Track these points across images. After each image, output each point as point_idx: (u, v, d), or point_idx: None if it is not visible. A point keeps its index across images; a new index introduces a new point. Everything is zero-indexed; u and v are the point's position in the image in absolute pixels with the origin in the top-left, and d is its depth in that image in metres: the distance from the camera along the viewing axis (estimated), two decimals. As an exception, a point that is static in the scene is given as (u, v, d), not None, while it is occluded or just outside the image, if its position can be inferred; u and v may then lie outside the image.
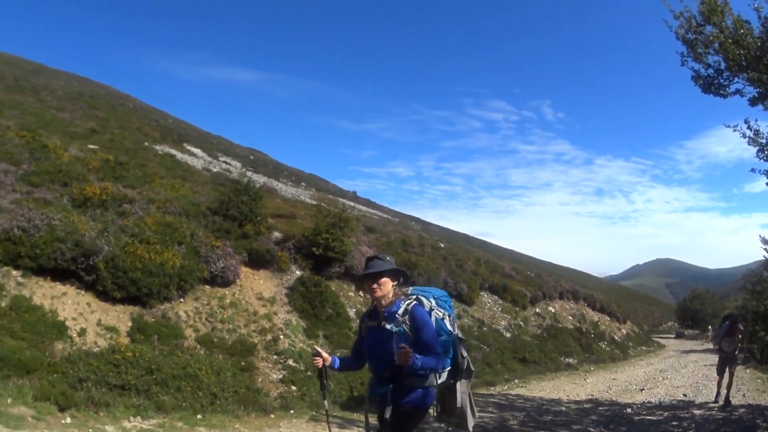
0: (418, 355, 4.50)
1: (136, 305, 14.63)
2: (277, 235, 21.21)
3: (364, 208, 44.86)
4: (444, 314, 4.97)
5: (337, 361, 5.19)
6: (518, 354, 24.69)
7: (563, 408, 15.79)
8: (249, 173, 34.73)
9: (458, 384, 5.17)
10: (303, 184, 46.52)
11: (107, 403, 10.42)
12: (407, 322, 4.70)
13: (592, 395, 18.57)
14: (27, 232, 13.59)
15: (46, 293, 13.29)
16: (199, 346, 14.35)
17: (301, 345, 16.56)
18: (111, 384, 11.05)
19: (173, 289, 15.37)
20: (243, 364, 14.45)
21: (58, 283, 13.76)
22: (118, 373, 11.35)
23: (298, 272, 19.95)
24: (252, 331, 16.12)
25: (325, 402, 5.58)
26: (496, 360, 22.99)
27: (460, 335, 5.14)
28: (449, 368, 5.00)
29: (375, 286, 4.84)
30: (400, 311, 4.76)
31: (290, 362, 15.56)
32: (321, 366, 5.05)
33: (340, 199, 41.78)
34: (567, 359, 27.66)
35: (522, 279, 35.34)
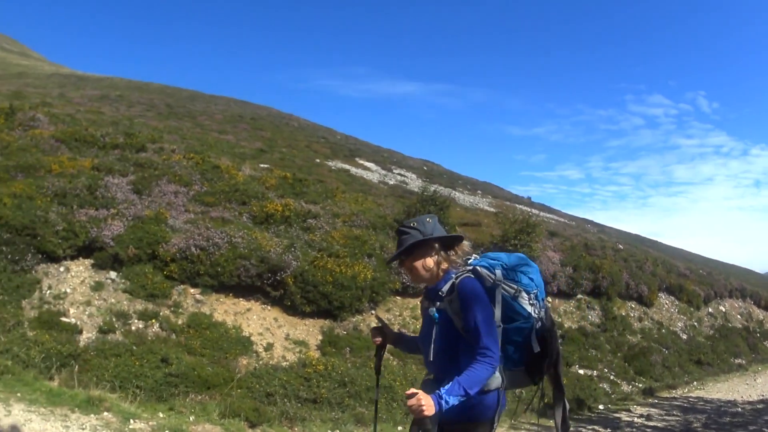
0: (445, 390, 3.64)
1: (327, 318, 16.62)
2: (465, 243, 22.71)
3: (540, 213, 46.25)
4: (518, 290, 4.11)
5: (402, 338, 4.87)
6: (693, 356, 26.95)
7: (739, 409, 17.67)
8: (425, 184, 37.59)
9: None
10: (479, 192, 48.80)
11: (303, 418, 11.88)
12: (453, 301, 4.05)
13: (763, 395, 20.66)
14: (206, 250, 15.94)
15: (228, 310, 15.48)
16: (392, 357, 15.85)
17: (496, 351, 17.75)
18: (302, 398, 12.66)
19: (365, 301, 17.36)
20: (438, 373, 15.66)
21: (241, 299, 16.01)
22: (309, 386, 13.00)
23: (489, 279, 21.22)
24: (446, 340, 17.40)
25: (377, 390, 5.13)
26: (674, 363, 24.92)
27: (541, 321, 4.21)
28: (521, 367, 4.30)
29: (407, 270, 4.37)
30: (445, 287, 4.13)
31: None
32: (379, 343, 4.74)
33: (517, 205, 45.26)
34: (736, 360, 29.88)
35: (695, 278, 37.76)
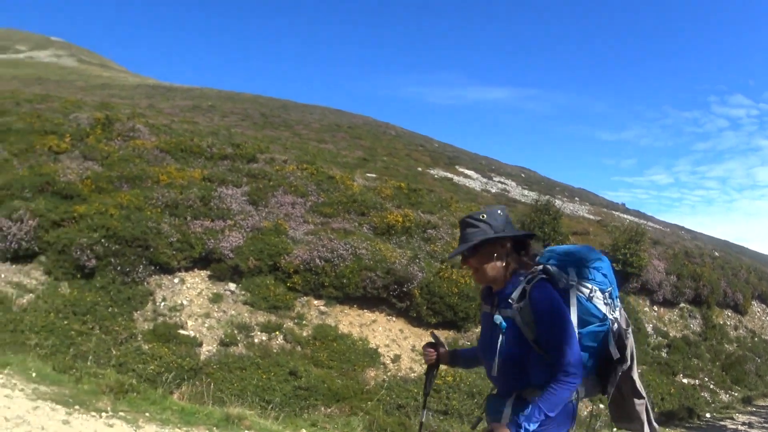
0: (524, 417, 3.52)
1: (450, 329, 17.11)
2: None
3: (636, 220, 46.62)
4: (593, 289, 3.82)
5: (459, 356, 4.51)
6: (785, 364, 27.75)
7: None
8: (525, 191, 38.92)
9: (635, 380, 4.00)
10: (576, 198, 49.44)
11: (446, 430, 12.14)
12: (524, 309, 3.71)
13: None
14: (330, 262, 16.53)
15: (353, 321, 16.01)
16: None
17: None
18: (432, 410, 13.03)
19: (489, 311, 17.53)
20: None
21: (366, 310, 16.62)
22: (440, 398, 13.43)
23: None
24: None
25: (425, 412, 4.73)
26: (766, 371, 25.99)
27: (619, 322, 3.89)
28: (593, 375, 3.97)
29: (470, 269, 4.02)
30: (515, 293, 3.76)
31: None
32: (432, 362, 4.40)
33: (614, 212, 46.93)
34: (825, 367, 31.46)
35: (785, 285, 38.34)
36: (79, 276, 15.51)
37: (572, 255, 3.92)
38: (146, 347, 13.59)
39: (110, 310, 14.70)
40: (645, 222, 49.33)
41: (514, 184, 46.69)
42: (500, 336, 3.71)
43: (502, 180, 47.07)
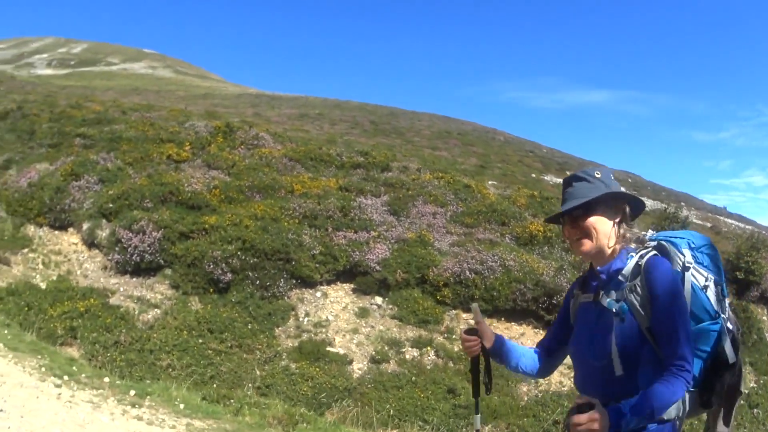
0: (629, 406, 2.85)
1: None
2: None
3: (741, 225, 45.92)
4: (708, 278, 3.15)
5: (505, 344, 3.62)
6: None
7: None
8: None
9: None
10: (682, 204, 48.78)
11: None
12: (638, 288, 3.06)
13: None
14: (480, 274, 16.44)
15: (502, 335, 15.63)
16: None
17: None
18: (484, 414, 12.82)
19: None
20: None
21: (513, 323, 16.53)
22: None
23: (725, 299, 22.54)
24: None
25: (478, 417, 3.80)
26: None
27: (730, 322, 3.20)
28: (695, 388, 3.17)
29: (579, 230, 3.23)
30: (627, 268, 3.12)
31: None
32: (477, 352, 3.52)
33: (720, 217, 46.63)
34: None
35: None
36: (211, 290, 15.57)
37: (687, 236, 3.27)
38: (294, 366, 13.52)
39: (250, 326, 14.64)
40: (748, 227, 48.91)
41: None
42: (614, 324, 3.04)
43: (613, 186, 46.69)
